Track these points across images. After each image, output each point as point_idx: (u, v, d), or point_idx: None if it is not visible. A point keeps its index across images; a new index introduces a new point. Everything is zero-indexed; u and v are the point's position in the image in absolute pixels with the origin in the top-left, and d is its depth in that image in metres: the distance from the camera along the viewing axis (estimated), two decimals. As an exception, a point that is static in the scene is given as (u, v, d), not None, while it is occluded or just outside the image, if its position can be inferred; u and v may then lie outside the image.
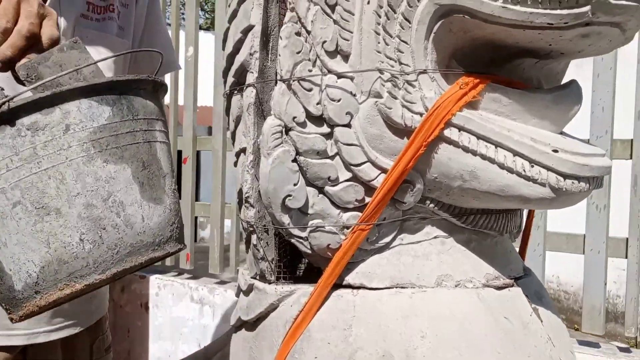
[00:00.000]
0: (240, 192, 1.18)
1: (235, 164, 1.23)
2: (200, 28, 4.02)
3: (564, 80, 1.27)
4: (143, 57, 1.67)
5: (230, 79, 1.18)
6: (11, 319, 0.98)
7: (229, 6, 1.27)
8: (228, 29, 1.24)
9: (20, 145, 0.93)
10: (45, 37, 1.05)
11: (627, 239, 2.34)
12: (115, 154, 0.98)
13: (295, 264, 1.29)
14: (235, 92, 1.18)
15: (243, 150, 1.16)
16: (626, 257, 2.35)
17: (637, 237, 2.30)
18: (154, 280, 3.42)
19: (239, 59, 1.15)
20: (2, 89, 0.97)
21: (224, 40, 1.29)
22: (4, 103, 0.92)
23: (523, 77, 1.20)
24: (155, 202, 1.02)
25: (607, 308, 2.90)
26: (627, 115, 2.26)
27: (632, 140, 2.30)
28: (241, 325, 1.32)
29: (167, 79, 3.21)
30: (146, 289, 3.43)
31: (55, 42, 1.06)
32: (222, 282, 3.33)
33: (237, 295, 1.37)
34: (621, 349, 2.32)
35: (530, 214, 1.45)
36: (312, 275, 1.24)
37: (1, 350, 1.55)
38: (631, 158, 2.28)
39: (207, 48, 3.63)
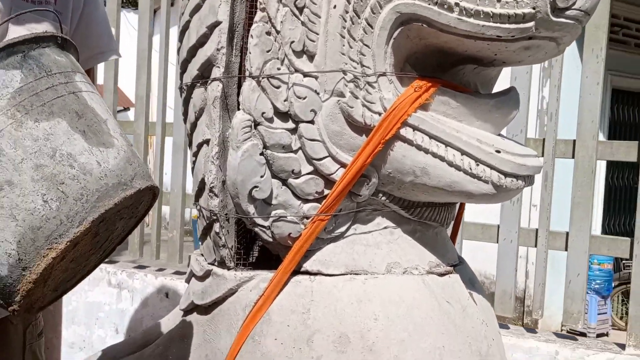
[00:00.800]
0: (202, 181, 1.22)
1: (195, 155, 1.26)
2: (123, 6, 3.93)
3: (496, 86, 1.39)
4: (77, 42, 1.65)
5: (194, 72, 1.22)
6: (13, 312, 0.95)
7: (189, -1, 1.30)
8: (188, 21, 1.27)
9: None
10: None
11: (537, 229, 2.54)
12: (44, 112, 0.95)
13: (249, 252, 1.35)
14: (198, 84, 1.22)
15: (206, 142, 1.20)
16: (535, 246, 2.54)
17: (546, 227, 2.49)
18: (71, 264, 3.35)
19: (204, 53, 1.18)
20: None
21: (182, 31, 1.32)
22: None
23: (462, 81, 1.30)
24: (105, 145, 0.98)
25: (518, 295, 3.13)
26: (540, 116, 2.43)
27: (543, 139, 2.49)
28: (192, 309, 1.36)
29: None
30: (62, 273, 3.36)
31: None
32: (141, 267, 3.31)
33: (188, 281, 1.41)
34: (527, 329, 2.52)
35: (462, 207, 1.57)
36: (266, 262, 1.30)
37: None
38: (542, 155, 2.47)
39: (127, 27, 3.57)
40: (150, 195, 1.07)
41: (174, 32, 3.21)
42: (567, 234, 2.47)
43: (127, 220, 1.09)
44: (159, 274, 3.11)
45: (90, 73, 1.72)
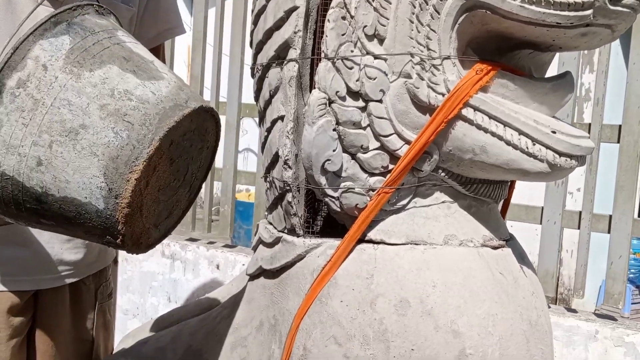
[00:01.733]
0: (275, 154, 1.32)
1: (268, 130, 1.36)
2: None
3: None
4: (147, 20, 1.73)
5: (271, 53, 1.31)
6: (123, 244, 1.11)
7: (264, -16, 1.39)
8: (265, 5, 1.37)
9: (21, 102, 1.07)
10: None
11: (580, 212, 2.60)
12: (95, 62, 1.10)
13: (313, 222, 1.45)
14: (274, 65, 1.32)
15: (281, 118, 1.29)
16: (578, 228, 2.61)
17: (589, 210, 2.55)
18: (125, 236, 3.51)
19: (281, 36, 1.28)
20: None
21: (257, 15, 1.41)
22: None
23: (518, 64, 1.37)
24: (156, 79, 1.13)
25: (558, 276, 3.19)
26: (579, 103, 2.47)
27: (589, 124, 2.54)
28: (260, 274, 1.47)
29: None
30: (116, 244, 3.52)
31: None
32: (193, 239, 3.45)
33: (255, 248, 1.52)
34: (568, 309, 2.59)
35: (512, 185, 1.64)
36: (329, 231, 1.40)
37: (13, 294, 1.66)
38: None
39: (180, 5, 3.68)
40: (213, 122, 1.22)
41: (228, 10, 3.31)
42: (610, 217, 2.52)
43: (200, 151, 1.24)
44: (210, 247, 3.24)
45: (159, 50, 1.80)
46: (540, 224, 2.62)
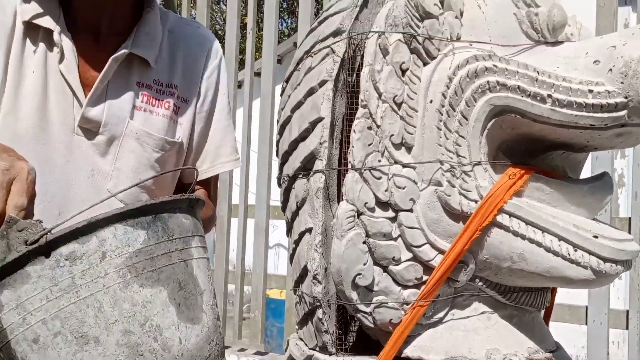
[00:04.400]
0: (304, 268, 1.28)
1: (296, 242, 1.32)
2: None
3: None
4: (199, 155, 1.48)
5: (297, 164, 1.29)
6: None
7: (288, 96, 1.40)
8: (290, 117, 1.36)
9: (59, 275, 0.94)
10: (10, 208, 0.98)
11: (627, 311, 2.47)
12: (151, 277, 0.98)
13: (345, 336, 1.38)
14: (300, 176, 1.29)
15: (309, 230, 1.25)
16: (627, 329, 2.47)
17: (637, 309, 2.42)
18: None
19: (307, 147, 1.26)
20: (40, 221, 0.97)
21: (282, 126, 1.41)
22: (42, 236, 0.93)
23: (551, 165, 1.33)
24: (193, 322, 1.01)
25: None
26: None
27: (629, 218, 2.45)
28: (292, 394, 1.39)
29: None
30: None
31: (22, 208, 1.00)
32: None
33: (287, 365, 1.45)
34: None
35: (554, 291, 1.56)
36: (361, 347, 1.33)
37: None
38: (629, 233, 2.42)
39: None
40: None
41: (256, 108, 3.37)
42: (660, 315, 2.39)
43: None
44: (241, 355, 3.15)
45: (210, 183, 1.57)
46: (586, 324, 2.49)
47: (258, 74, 3.53)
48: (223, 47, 3.77)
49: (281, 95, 1.48)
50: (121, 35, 1.31)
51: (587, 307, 2.51)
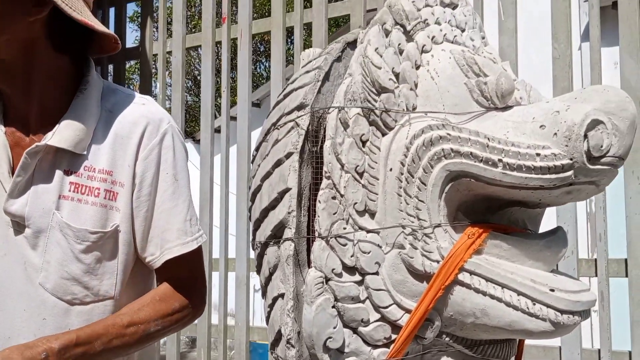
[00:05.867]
0: (278, 332, 1.33)
1: (270, 307, 1.38)
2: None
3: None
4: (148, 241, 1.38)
5: (267, 232, 1.36)
6: None
7: (258, 165, 1.46)
8: (260, 186, 1.43)
9: None
10: None
11: (599, 350, 2.53)
12: None
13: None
14: (271, 243, 1.35)
15: (281, 295, 1.31)
16: (599, 367, 2.53)
17: (608, 348, 2.49)
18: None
19: (276, 216, 1.33)
20: None
21: (254, 193, 1.47)
22: None
23: (511, 219, 1.40)
24: None
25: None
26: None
27: (595, 259, 2.54)
28: None
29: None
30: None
31: None
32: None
33: None
34: None
35: (521, 340, 1.62)
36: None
37: None
38: (596, 275, 2.51)
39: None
40: None
41: (233, 156, 3.42)
42: (630, 353, 2.46)
43: None
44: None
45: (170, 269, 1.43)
46: (560, 364, 2.56)
47: (234, 118, 3.59)
48: (199, 92, 3.84)
49: (251, 162, 1.55)
50: (54, 124, 1.28)
51: (560, 347, 2.57)
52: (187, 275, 1.38)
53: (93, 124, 1.30)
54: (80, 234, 1.27)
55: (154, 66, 3.92)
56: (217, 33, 3.52)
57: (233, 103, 4.91)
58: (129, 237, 1.33)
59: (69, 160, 1.28)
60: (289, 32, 3.41)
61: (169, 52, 3.73)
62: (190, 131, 11.59)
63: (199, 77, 14.91)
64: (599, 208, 2.48)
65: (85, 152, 1.29)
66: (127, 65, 4.89)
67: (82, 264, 1.28)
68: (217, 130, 3.62)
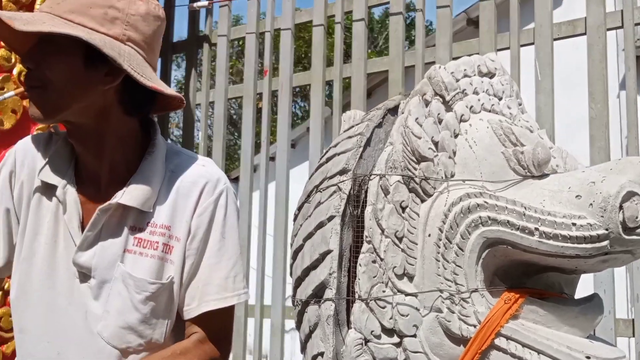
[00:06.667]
0: (319, 392, 1.37)
1: (310, 365, 1.42)
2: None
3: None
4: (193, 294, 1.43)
5: (309, 291, 1.41)
6: None
7: (300, 225, 1.52)
8: (302, 245, 1.48)
9: None
10: None
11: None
12: None
13: None
14: (312, 302, 1.40)
15: (321, 354, 1.35)
16: None
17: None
18: None
19: (318, 276, 1.38)
20: None
21: (296, 252, 1.53)
22: None
23: (547, 282, 1.43)
24: None
25: None
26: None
27: (633, 320, 2.52)
28: None
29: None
30: None
31: None
32: None
33: None
34: None
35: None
36: None
37: None
38: (634, 336, 2.49)
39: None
40: None
41: (272, 202, 3.49)
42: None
43: None
44: None
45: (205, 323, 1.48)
46: None
47: (273, 159, 3.66)
48: (240, 129, 3.93)
49: (294, 221, 1.61)
50: (123, 183, 1.36)
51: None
52: (218, 329, 1.42)
53: (159, 185, 1.38)
54: (141, 283, 1.34)
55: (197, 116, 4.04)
56: (258, 85, 3.64)
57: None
58: (178, 287, 1.39)
59: (135, 218, 1.36)
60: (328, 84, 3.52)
61: (211, 103, 3.85)
62: (226, 169, 11.73)
63: (234, 119, 15.20)
64: (636, 268, 2.47)
65: (151, 210, 1.37)
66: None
67: (140, 313, 1.34)
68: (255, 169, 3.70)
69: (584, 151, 2.44)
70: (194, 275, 1.41)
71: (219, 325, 1.43)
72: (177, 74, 14.72)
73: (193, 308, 1.40)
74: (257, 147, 4.44)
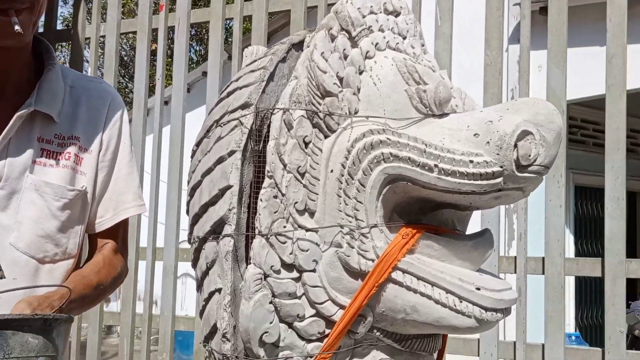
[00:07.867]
0: (214, 326, 1.35)
1: (206, 300, 1.40)
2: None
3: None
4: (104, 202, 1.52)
5: (207, 227, 1.37)
6: None
7: (199, 160, 1.48)
8: (200, 181, 1.44)
9: None
10: None
11: (514, 342, 2.67)
12: None
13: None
14: (210, 239, 1.37)
15: (218, 290, 1.34)
16: (514, 358, 2.67)
17: (523, 340, 2.63)
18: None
19: (217, 212, 1.35)
20: None
21: (193, 188, 1.49)
22: None
23: (442, 219, 1.47)
24: None
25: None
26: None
27: (515, 257, 2.67)
28: None
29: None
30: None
31: None
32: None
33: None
34: None
35: (445, 335, 1.70)
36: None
37: None
38: (515, 272, 2.64)
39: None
40: None
41: (165, 146, 3.40)
42: (543, 345, 2.61)
43: None
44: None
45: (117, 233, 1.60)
46: (478, 355, 2.68)
47: (167, 103, 3.56)
48: (132, 74, 3.82)
49: (191, 157, 1.56)
50: (25, 93, 1.38)
51: (478, 340, 2.70)
52: (122, 239, 1.54)
53: (62, 96, 1.43)
54: (59, 190, 1.38)
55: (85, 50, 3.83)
56: (153, 20, 3.47)
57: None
58: (91, 199, 1.46)
59: (42, 128, 1.39)
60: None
61: (102, 37, 3.65)
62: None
63: (125, 60, 14.55)
64: (520, 209, 2.61)
65: (58, 120, 1.41)
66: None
67: (58, 221, 1.39)
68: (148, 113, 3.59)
69: (477, 101, 2.52)
70: (106, 187, 1.49)
71: (123, 236, 1.55)
72: (64, 10, 13.87)
73: (108, 219, 1.48)
74: (150, 90, 4.29)
